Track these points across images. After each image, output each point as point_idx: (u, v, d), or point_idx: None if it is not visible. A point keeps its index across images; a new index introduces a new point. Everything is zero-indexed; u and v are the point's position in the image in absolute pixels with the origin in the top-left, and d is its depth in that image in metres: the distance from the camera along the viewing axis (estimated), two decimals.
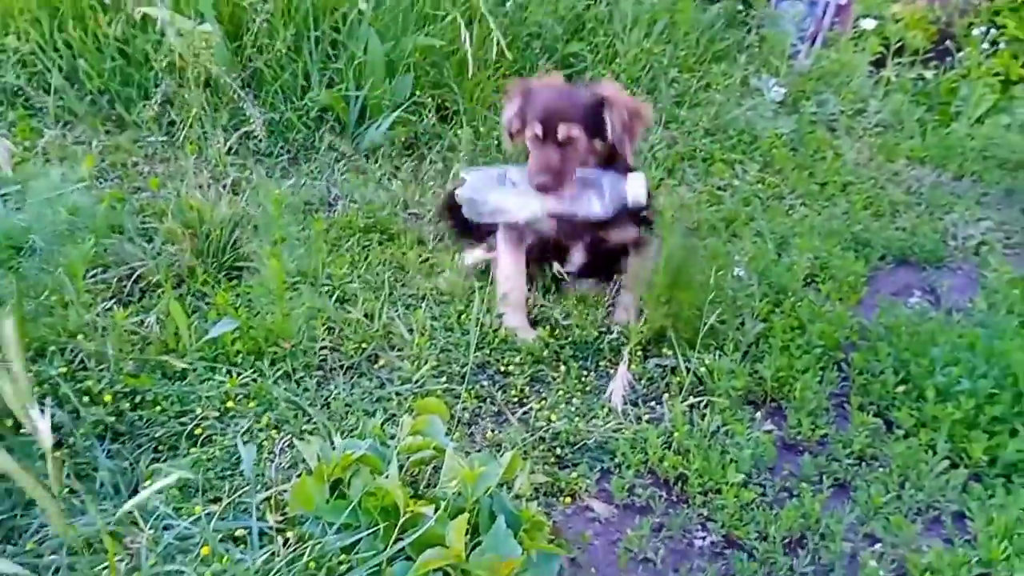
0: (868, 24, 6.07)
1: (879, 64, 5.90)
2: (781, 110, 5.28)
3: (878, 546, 2.47)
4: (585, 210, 2.85)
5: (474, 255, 3.09)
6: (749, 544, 2.44)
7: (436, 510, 1.95)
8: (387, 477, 2.04)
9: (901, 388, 3.02)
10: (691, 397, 2.94)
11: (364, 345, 3.00)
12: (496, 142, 4.47)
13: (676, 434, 2.74)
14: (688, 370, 2.98)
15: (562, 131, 2.82)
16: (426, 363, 2.94)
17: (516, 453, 2.16)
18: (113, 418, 2.45)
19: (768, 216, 4.24)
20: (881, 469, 2.75)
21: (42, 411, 1.22)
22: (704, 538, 2.49)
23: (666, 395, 2.97)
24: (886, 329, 3.30)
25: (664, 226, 3.12)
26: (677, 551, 2.45)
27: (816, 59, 5.81)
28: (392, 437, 2.49)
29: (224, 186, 3.64)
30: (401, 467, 2.13)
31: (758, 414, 2.95)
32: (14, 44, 3.76)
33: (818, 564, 2.40)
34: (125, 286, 3.05)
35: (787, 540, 2.46)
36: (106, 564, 2.00)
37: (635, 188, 2.72)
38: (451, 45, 4.53)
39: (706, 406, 2.92)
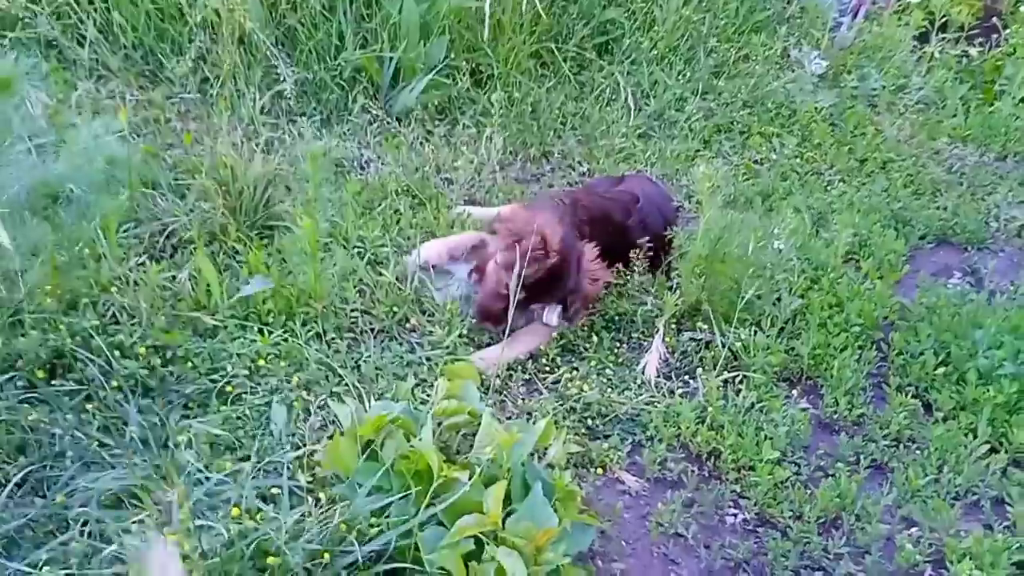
0: None
1: (923, 39, 5.75)
2: (821, 84, 5.16)
3: (915, 530, 2.43)
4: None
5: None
6: (783, 523, 2.41)
7: (470, 476, 1.93)
8: (421, 440, 2.01)
9: (941, 370, 2.96)
10: (726, 372, 2.90)
11: (395, 309, 2.97)
12: (531, 108, 4.40)
13: (710, 409, 2.70)
14: (723, 345, 2.93)
15: (531, 306, 2.95)
16: (457, 329, 2.90)
17: (550, 421, 2.13)
18: (145, 372, 2.43)
19: (806, 191, 4.16)
20: (919, 452, 2.70)
21: None
22: (736, 515, 2.47)
23: (700, 369, 2.92)
24: (927, 310, 3.24)
25: (702, 197, 3.06)
26: (709, 527, 2.42)
27: (858, 32, 5.67)
28: (423, 402, 2.47)
29: (257, 145, 3.59)
30: (434, 432, 2.11)
31: (794, 391, 2.91)
32: None
33: (853, 545, 2.36)
34: (158, 241, 3.02)
35: (822, 520, 2.43)
36: (135, 518, 1.99)
37: (550, 315, 2.98)
38: (488, 7, 4.45)
39: (741, 382, 2.88)
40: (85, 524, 2.03)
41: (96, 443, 2.22)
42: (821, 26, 5.48)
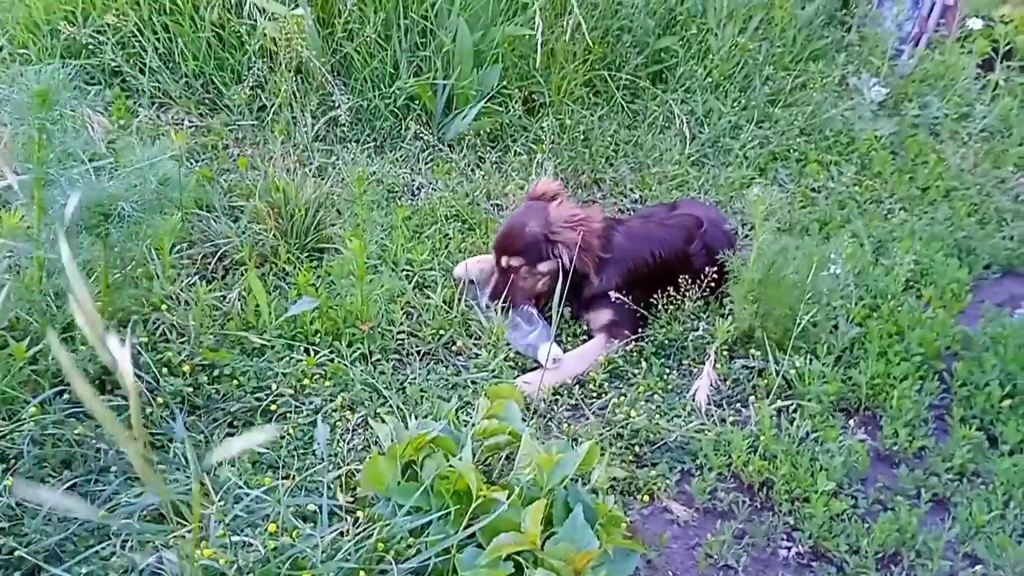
0: (975, 24, 5.77)
1: (987, 67, 5.59)
2: (881, 112, 5.04)
3: (979, 567, 2.31)
4: (513, 338, 3.00)
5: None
6: (838, 557, 2.31)
7: (509, 496, 1.88)
8: (460, 460, 1.97)
9: (1007, 402, 2.83)
10: (779, 400, 2.80)
11: (442, 332, 2.95)
12: (583, 136, 4.39)
13: (762, 438, 2.61)
14: (777, 372, 2.85)
15: (503, 261, 3.07)
16: (503, 352, 2.87)
17: (594, 444, 2.07)
18: (191, 389, 2.44)
19: (865, 219, 4.05)
20: (984, 486, 2.58)
21: (122, 341, 1.17)
22: (790, 548, 2.37)
23: (752, 398, 2.84)
24: (992, 340, 3.09)
25: (756, 222, 2.99)
26: (760, 560, 2.33)
27: (920, 60, 5.54)
28: (467, 424, 2.43)
29: (309, 170, 3.63)
30: (475, 452, 2.07)
31: (851, 422, 2.80)
32: (112, 22, 3.81)
33: None
34: (209, 263, 3.06)
35: (880, 555, 2.32)
36: (175, 533, 1.98)
37: (543, 354, 2.83)
38: (540, 36, 4.46)
39: (795, 411, 2.78)
40: (127, 539, 2.03)
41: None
42: (881, 54, 5.37)
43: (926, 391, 2.89)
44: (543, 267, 3.04)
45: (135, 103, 3.89)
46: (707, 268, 3.09)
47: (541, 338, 2.94)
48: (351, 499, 2.17)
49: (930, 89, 5.29)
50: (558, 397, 2.78)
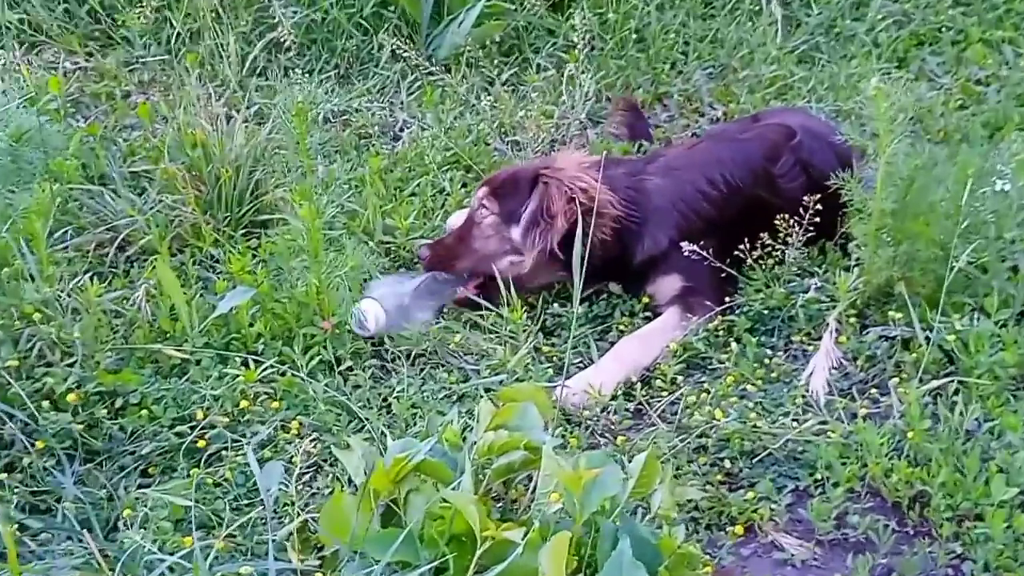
0: None
1: None
2: None
3: None
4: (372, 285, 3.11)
5: None
6: None
7: (526, 535, 1.87)
8: (458, 490, 1.97)
9: None
10: (934, 380, 2.76)
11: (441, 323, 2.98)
12: (635, 36, 4.38)
13: (911, 435, 2.58)
14: (929, 341, 2.81)
15: (479, 193, 3.17)
16: (528, 343, 2.90)
17: (651, 455, 2.06)
18: (82, 427, 2.48)
19: None
20: None
21: None
22: None
23: (895, 380, 2.80)
24: None
25: (880, 128, 2.95)
26: None
27: None
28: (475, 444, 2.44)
29: (242, 116, 3.66)
30: (480, 478, 2.07)
31: None
32: None
33: None
34: (107, 253, 3.12)
35: None
36: None
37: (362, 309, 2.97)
38: None
39: (957, 393, 2.74)
40: None
41: (15, 526, 2.26)
42: None
43: None
44: (514, 232, 3.09)
45: None
46: (806, 196, 3.05)
47: (382, 295, 2.97)
48: (317, 559, 2.19)
49: None
50: (614, 398, 2.78)
